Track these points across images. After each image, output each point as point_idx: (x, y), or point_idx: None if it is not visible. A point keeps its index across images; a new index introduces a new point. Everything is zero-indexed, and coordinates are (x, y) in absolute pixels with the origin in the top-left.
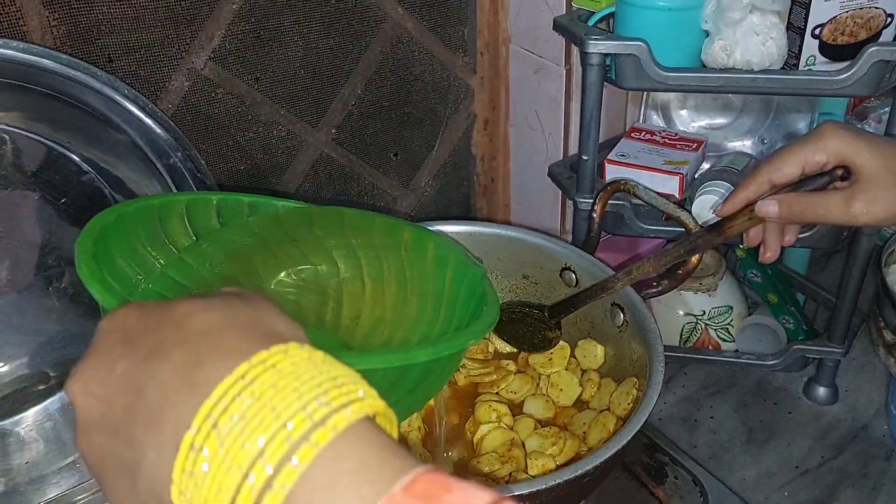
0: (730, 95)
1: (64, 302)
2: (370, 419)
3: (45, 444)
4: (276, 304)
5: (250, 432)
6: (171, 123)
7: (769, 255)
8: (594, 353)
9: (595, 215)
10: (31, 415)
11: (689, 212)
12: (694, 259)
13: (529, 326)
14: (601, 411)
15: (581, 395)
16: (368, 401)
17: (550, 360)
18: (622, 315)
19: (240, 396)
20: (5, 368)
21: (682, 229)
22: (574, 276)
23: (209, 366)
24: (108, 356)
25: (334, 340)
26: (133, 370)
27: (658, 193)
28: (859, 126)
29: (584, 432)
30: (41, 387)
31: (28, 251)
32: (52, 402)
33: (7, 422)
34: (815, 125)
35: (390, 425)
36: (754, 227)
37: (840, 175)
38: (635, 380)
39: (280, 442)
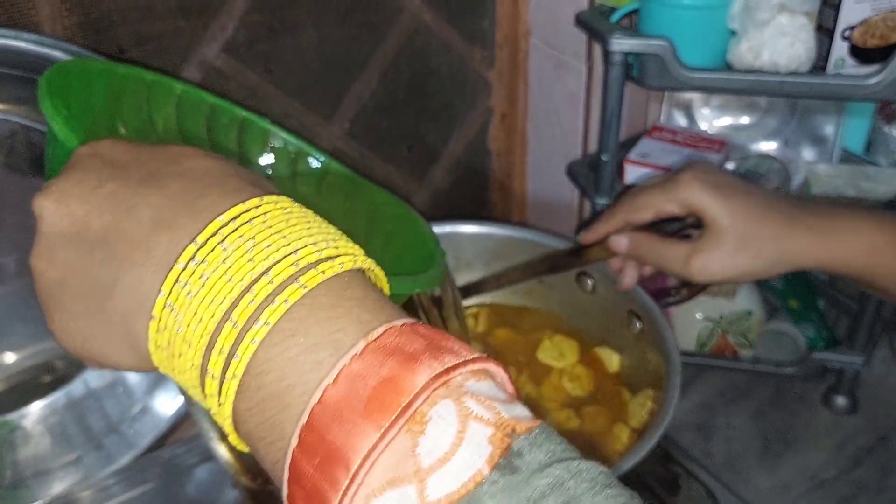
0: (754, 96)
1: None
2: (357, 273)
3: (52, 439)
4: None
5: (237, 268)
6: None
7: (626, 281)
8: (609, 359)
9: None
10: (37, 409)
11: None
12: None
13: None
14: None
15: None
16: (360, 257)
17: (562, 354)
18: (638, 323)
19: (251, 222)
20: (13, 359)
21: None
22: (590, 281)
23: (213, 196)
24: (96, 175)
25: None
26: (124, 190)
27: None
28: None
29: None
30: (48, 378)
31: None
32: (58, 397)
33: (14, 414)
34: (840, 128)
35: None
36: (616, 258)
37: (691, 223)
38: (651, 391)
39: (287, 265)
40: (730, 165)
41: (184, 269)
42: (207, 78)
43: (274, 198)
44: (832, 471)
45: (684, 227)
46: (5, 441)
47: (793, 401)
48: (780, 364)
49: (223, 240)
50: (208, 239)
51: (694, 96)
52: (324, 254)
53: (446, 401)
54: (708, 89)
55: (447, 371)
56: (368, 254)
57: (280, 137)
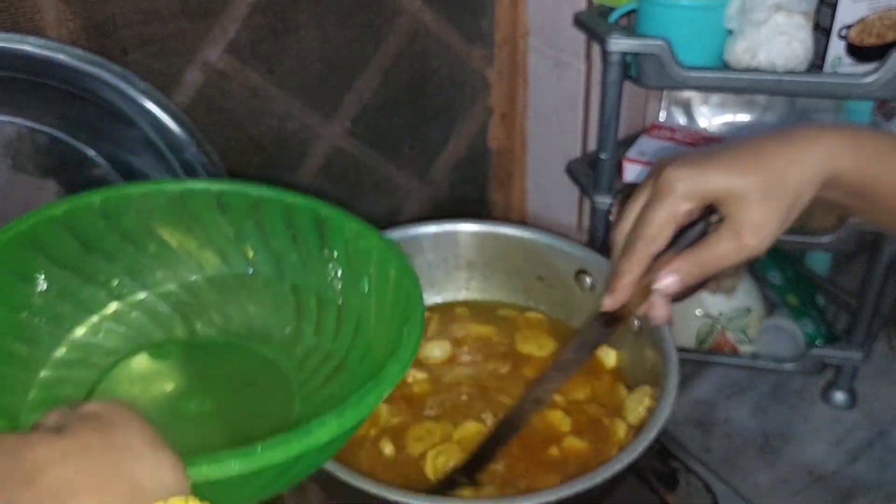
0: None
1: None
2: None
3: None
4: (141, 431)
5: None
6: (185, 117)
7: (662, 314)
8: (606, 356)
9: (612, 217)
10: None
11: None
12: None
13: None
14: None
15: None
16: None
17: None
18: (636, 321)
19: None
20: None
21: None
22: (589, 279)
23: None
24: None
25: (259, 357)
26: None
27: None
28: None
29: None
30: None
31: None
32: None
33: None
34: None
35: None
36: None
37: (711, 216)
38: (648, 388)
39: None
40: None
41: None
42: (210, 79)
43: None
44: (831, 465)
45: (707, 227)
46: None
47: (792, 396)
48: (779, 360)
49: None
50: None
51: (693, 94)
52: None
53: None
54: (705, 88)
55: None
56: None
57: None
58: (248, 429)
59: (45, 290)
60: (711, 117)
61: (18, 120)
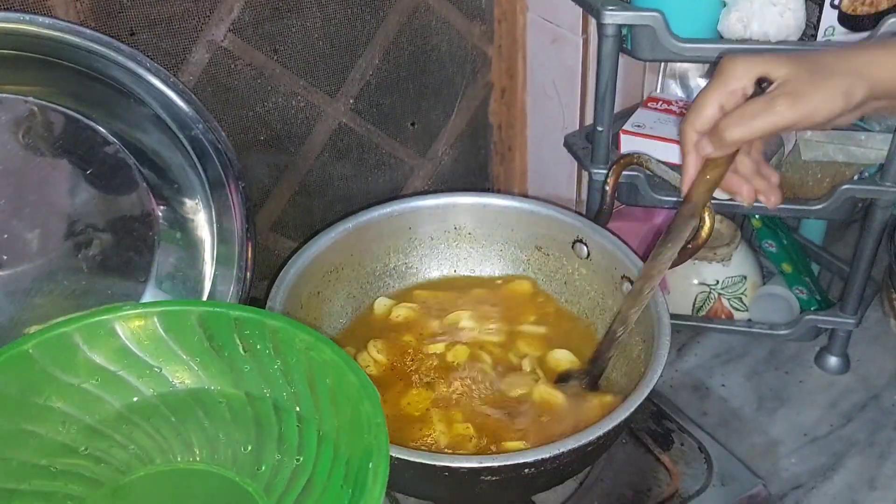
0: None
1: (93, 267)
2: None
3: None
4: None
5: None
6: (192, 95)
7: (774, 199)
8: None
9: (608, 187)
10: None
11: None
12: (704, 233)
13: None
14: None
15: None
16: None
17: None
18: (631, 287)
19: None
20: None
21: None
22: (585, 247)
23: None
24: None
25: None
26: None
27: (673, 166)
28: None
29: None
30: None
31: (57, 219)
32: None
33: None
34: None
35: None
36: (734, 182)
37: (764, 88)
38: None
39: None
40: None
41: None
42: (216, 58)
43: None
44: (824, 427)
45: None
46: None
47: (786, 361)
48: (773, 326)
49: None
50: None
51: (689, 67)
52: None
53: None
54: (699, 59)
55: None
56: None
57: None
58: None
59: None
60: None
61: (30, 98)
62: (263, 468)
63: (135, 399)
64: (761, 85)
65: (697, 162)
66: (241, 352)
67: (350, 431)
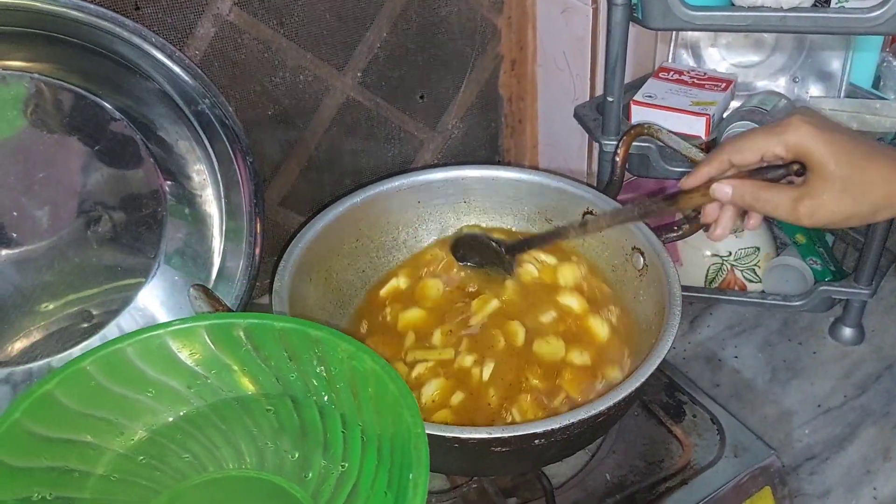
0: (762, 33)
1: (102, 243)
2: None
3: None
4: None
5: None
6: (199, 70)
7: (717, 232)
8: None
9: (619, 159)
10: (75, 352)
11: None
12: None
13: (487, 257)
14: None
15: None
16: None
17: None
18: (642, 259)
19: None
20: (50, 306)
21: None
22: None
23: None
24: None
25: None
26: None
27: (684, 136)
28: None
29: None
30: (84, 324)
31: (67, 196)
32: (94, 341)
33: (54, 358)
34: (849, 64)
35: None
36: (711, 204)
37: (796, 170)
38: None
39: None
40: (735, 103)
41: None
42: (222, 32)
43: None
44: (838, 398)
45: (787, 175)
46: None
47: (800, 333)
48: (787, 297)
49: None
50: None
51: (701, 36)
52: None
53: None
54: (711, 28)
55: None
56: None
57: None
58: None
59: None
60: (720, 59)
61: (36, 75)
62: (311, 475)
63: (186, 409)
64: (796, 166)
65: (710, 177)
66: (287, 361)
67: (392, 440)
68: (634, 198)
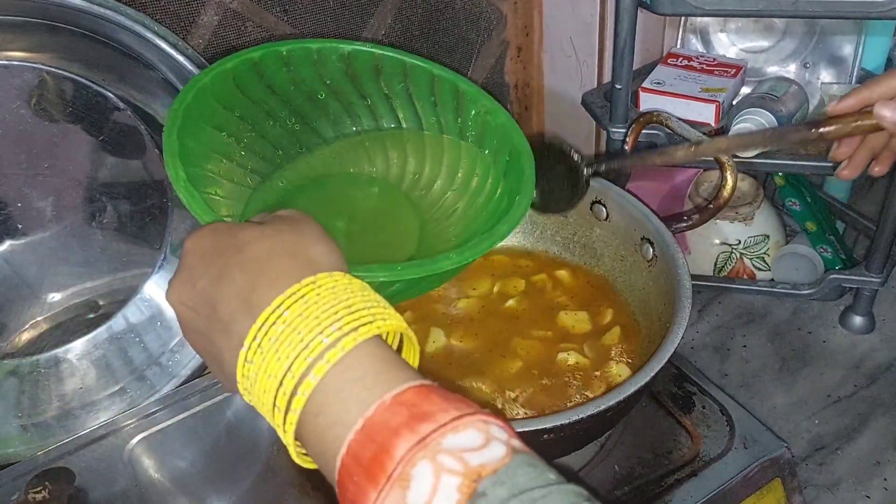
0: (772, 18)
1: (108, 234)
2: (378, 338)
3: (97, 371)
4: (317, 228)
5: (283, 352)
6: (202, 59)
7: (846, 173)
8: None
9: (627, 147)
10: (81, 343)
11: None
12: (726, 192)
13: (557, 179)
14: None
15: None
16: (378, 323)
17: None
18: (652, 249)
19: (275, 324)
20: (57, 297)
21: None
22: (604, 209)
23: (260, 290)
24: (192, 273)
25: (397, 196)
26: (209, 288)
27: (693, 124)
28: None
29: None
30: (91, 315)
31: (71, 186)
32: (100, 332)
33: (60, 349)
34: (861, 49)
35: (408, 342)
36: (848, 140)
37: None
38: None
39: (302, 360)
40: (746, 89)
41: (243, 365)
42: (226, 20)
43: (295, 288)
44: (848, 388)
45: None
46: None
47: (810, 321)
48: (796, 286)
49: (260, 344)
50: (251, 342)
51: (710, 21)
52: (329, 339)
53: (424, 461)
54: (721, 13)
55: (422, 440)
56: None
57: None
58: (375, 253)
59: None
60: (729, 44)
61: (39, 64)
62: (426, 192)
63: (348, 128)
64: None
65: (869, 101)
66: (432, 105)
67: (499, 178)
68: (706, 171)
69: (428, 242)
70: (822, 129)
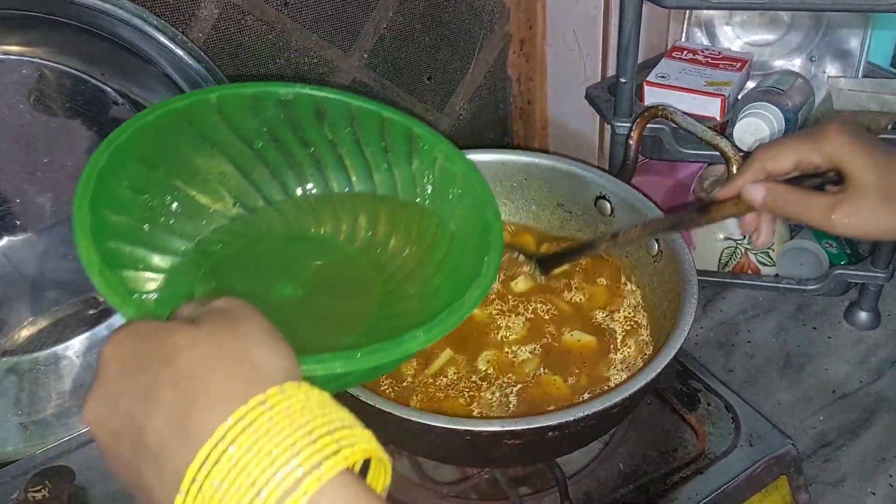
0: (778, 11)
1: None
2: (346, 472)
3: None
4: (261, 323)
5: (230, 500)
6: (202, 53)
7: (761, 241)
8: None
9: (632, 142)
10: (81, 340)
11: (729, 138)
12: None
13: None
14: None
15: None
16: (344, 452)
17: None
18: (657, 245)
19: (218, 463)
20: (56, 294)
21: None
22: (609, 204)
23: (197, 415)
24: (112, 389)
25: (351, 255)
26: (134, 409)
27: (698, 118)
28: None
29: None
30: (91, 312)
31: (69, 183)
32: (100, 329)
33: (60, 346)
34: (868, 42)
35: (376, 463)
36: (750, 214)
37: (832, 179)
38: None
39: (283, 479)
40: (751, 83)
41: (186, 495)
42: (226, 13)
43: (258, 399)
44: (853, 384)
45: (824, 183)
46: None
47: (815, 317)
48: (801, 281)
49: (200, 488)
50: (189, 487)
51: (715, 14)
52: (286, 483)
53: None
54: (726, 6)
55: None
56: None
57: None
58: (330, 320)
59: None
60: (734, 38)
61: (37, 59)
62: (381, 253)
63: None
64: (832, 174)
65: (743, 185)
66: (382, 151)
67: (467, 235)
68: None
69: (386, 301)
70: (710, 215)
